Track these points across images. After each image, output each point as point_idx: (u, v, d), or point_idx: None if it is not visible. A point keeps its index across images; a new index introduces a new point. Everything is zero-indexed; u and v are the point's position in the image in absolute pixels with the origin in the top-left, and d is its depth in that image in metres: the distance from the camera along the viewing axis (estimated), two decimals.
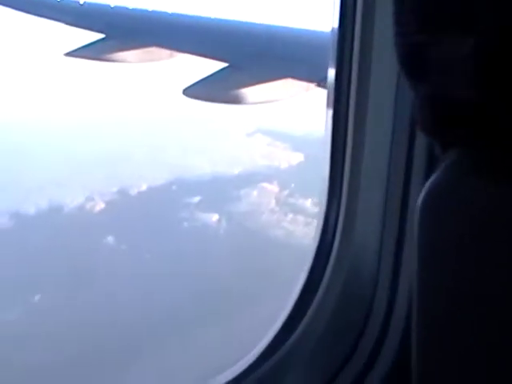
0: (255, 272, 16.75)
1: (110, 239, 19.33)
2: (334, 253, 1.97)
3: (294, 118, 31.50)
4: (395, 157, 1.75)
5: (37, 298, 16.32)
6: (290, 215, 21.41)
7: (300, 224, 20.79)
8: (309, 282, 2.05)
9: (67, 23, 9.22)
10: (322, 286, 1.96)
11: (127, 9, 9.30)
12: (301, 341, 1.91)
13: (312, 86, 6.17)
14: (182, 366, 12.24)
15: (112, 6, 9.39)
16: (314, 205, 21.85)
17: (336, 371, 1.81)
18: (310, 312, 1.95)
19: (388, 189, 1.79)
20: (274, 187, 23.78)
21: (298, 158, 27.53)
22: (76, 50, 8.34)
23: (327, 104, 1.99)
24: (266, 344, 2.01)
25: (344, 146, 2.00)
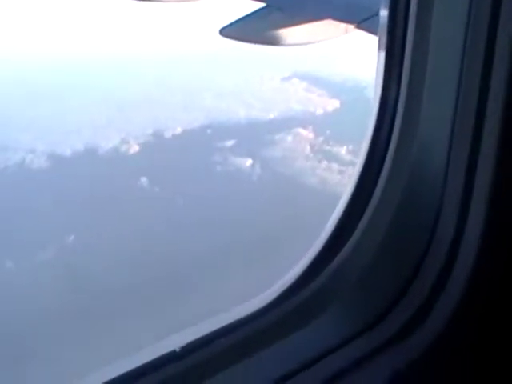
0: (288, 219, 16.76)
1: (144, 181, 19.50)
2: (391, 151, 1.67)
3: (331, 63, 31.01)
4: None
5: (71, 238, 16.64)
6: (325, 162, 21.22)
7: (334, 172, 20.62)
8: (359, 188, 1.77)
9: None
10: (376, 193, 1.68)
11: None
12: (349, 260, 1.69)
13: (351, 27, 6.01)
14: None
15: None
16: (348, 153, 21.63)
17: (393, 300, 1.58)
18: (360, 225, 1.69)
19: (462, 74, 1.44)
20: (308, 133, 23.53)
21: (334, 104, 27.14)
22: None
23: (379, 46, 1.81)
24: (307, 264, 1.78)
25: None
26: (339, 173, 20.46)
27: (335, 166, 20.91)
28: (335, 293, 1.67)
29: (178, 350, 1.52)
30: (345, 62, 31.65)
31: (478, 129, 1.37)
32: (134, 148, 22.21)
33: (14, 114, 24.02)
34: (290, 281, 1.78)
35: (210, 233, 16.45)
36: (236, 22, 6.45)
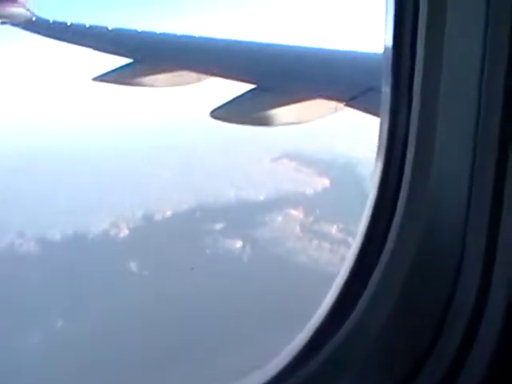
0: (279, 299, 16.59)
1: (133, 265, 19.36)
2: (400, 203, 1.50)
3: (320, 142, 31.48)
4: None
5: (59, 323, 16.37)
6: (315, 242, 21.19)
7: (325, 251, 20.56)
8: (364, 252, 1.65)
9: (96, 49, 9.30)
10: (384, 257, 1.53)
11: (154, 33, 9.36)
12: (359, 328, 1.53)
13: (341, 105, 6.08)
14: None
15: (139, 30, 9.46)
16: (339, 231, 21.64)
17: (411, 368, 1.42)
18: (368, 289, 1.55)
19: (479, 120, 1.30)
20: (299, 213, 23.60)
21: (323, 183, 27.38)
22: (104, 75, 8.39)
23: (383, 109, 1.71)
24: (311, 334, 1.63)
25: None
26: (330, 252, 20.41)
27: (326, 245, 20.87)
28: (345, 364, 1.52)
29: None
30: (335, 139, 32.24)
31: (499, 181, 1.25)
32: (124, 232, 22.18)
33: (5, 196, 24.12)
34: (294, 353, 1.63)
35: (201, 317, 16.23)
36: (226, 103, 6.54)
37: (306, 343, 1.63)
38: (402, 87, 1.49)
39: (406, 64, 1.44)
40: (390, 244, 1.52)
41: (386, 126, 1.58)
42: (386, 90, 1.57)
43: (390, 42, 1.50)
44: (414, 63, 1.40)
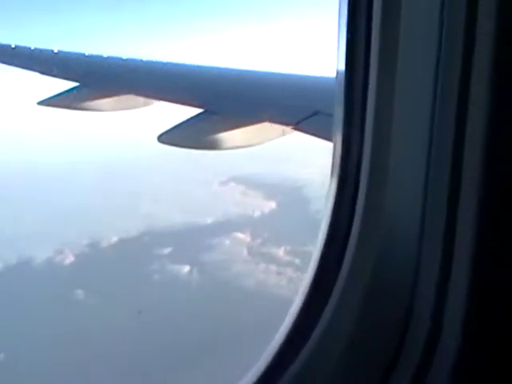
0: (227, 322, 16.59)
1: (80, 293, 19.06)
2: (351, 241, 1.48)
3: (267, 165, 31.72)
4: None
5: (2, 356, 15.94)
6: (263, 265, 21.29)
7: (272, 273, 20.66)
8: (316, 286, 1.58)
9: (41, 72, 9.17)
10: (337, 289, 1.50)
11: (101, 57, 9.31)
12: (318, 351, 1.49)
13: (288, 129, 6.18)
14: None
15: (86, 54, 9.40)
16: (286, 254, 21.80)
17: None
18: (320, 324, 1.51)
19: (433, 127, 1.32)
20: (246, 236, 23.69)
21: (270, 206, 27.59)
22: (49, 99, 8.30)
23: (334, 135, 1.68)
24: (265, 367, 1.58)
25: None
26: (277, 274, 20.52)
27: (273, 267, 20.98)
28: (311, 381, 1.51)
29: None
30: (282, 162, 32.54)
31: (454, 191, 1.27)
32: (70, 258, 21.82)
33: None
34: (260, 371, 1.59)
35: (147, 344, 16.07)
36: (174, 128, 6.56)
37: (270, 362, 1.59)
38: (355, 108, 1.49)
39: (359, 86, 1.45)
40: (347, 261, 1.49)
41: (339, 146, 1.57)
42: (339, 111, 1.55)
43: (342, 66, 1.50)
44: (367, 85, 1.41)
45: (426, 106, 1.31)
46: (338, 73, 1.58)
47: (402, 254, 1.42)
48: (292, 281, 19.75)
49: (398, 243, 1.43)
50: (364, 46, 1.41)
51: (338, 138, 1.59)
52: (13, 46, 9.56)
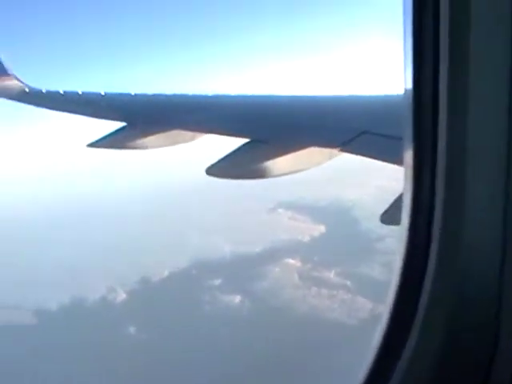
0: (282, 350, 16.40)
1: (132, 329, 19.19)
2: (430, 268, 1.42)
3: (315, 189, 31.59)
4: None
5: None
6: (314, 289, 21.05)
7: (324, 297, 20.39)
8: (396, 320, 1.56)
9: (90, 115, 9.43)
10: (417, 323, 1.44)
11: (146, 95, 9.51)
12: None
13: (335, 151, 6.12)
14: None
15: (131, 93, 9.59)
16: (337, 275, 21.52)
17: None
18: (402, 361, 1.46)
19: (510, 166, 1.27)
20: (296, 262, 23.51)
21: (320, 229, 27.36)
22: (98, 141, 8.49)
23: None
24: None
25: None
26: (329, 297, 20.25)
27: (325, 291, 20.71)
28: None
29: None
30: (329, 185, 32.38)
31: None
32: (121, 296, 22.06)
33: None
34: None
35: (202, 375, 16.00)
36: (221, 159, 6.56)
37: None
38: (425, 129, 1.39)
39: (428, 106, 1.36)
40: (421, 309, 1.45)
41: (410, 171, 1.47)
42: (408, 132, 1.45)
43: (409, 85, 1.41)
44: (438, 105, 1.32)
45: (501, 125, 1.26)
46: (405, 91, 1.48)
47: (482, 285, 1.36)
48: (344, 303, 19.46)
49: (477, 272, 1.37)
50: (432, 64, 1.34)
51: (409, 161, 1.48)
52: (61, 92, 9.84)
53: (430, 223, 1.40)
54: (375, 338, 1.61)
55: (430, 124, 1.35)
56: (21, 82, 10.03)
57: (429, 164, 1.38)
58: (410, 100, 1.40)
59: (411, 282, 1.48)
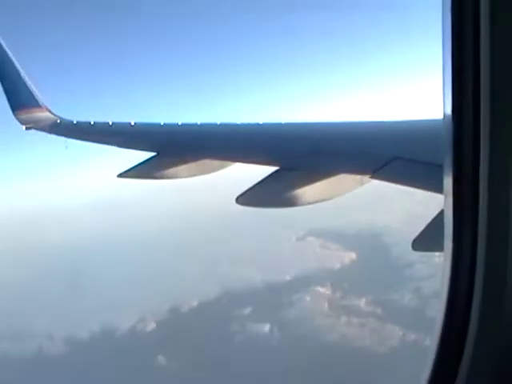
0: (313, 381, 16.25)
1: (161, 359, 19.22)
2: (470, 334, 1.37)
3: (345, 216, 31.43)
4: None
5: None
6: (344, 318, 20.84)
7: (354, 326, 20.17)
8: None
9: (120, 146, 9.53)
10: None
11: (176, 124, 9.62)
12: None
13: (366, 178, 6.10)
14: None
15: (161, 123, 9.72)
16: (367, 304, 21.28)
17: None
18: None
19: None
20: (326, 290, 23.34)
21: (350, 257, 27.15)
22: (128, 171, 8.58)
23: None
24: None
25: None
26: (359, 325, 20.02)
27: (355, 319, 20.49)
28: None
29: None
30: (359, 212, 32.17)
31: None
32: (151, 325, 22.14)
33: (29, 297, 24.45)
34: None
35: None
36: (251, 188, 6.60)
37: None
38: (466, 155, 1.35)
39: (470, 133, 1.33)
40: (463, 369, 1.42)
41: (450, 208, 1.42)
42: (448, 160, 1.41)
43: (448, 110, 1.38)
44: (479, 133, 1.28)
45: None
46: (445, 117, 1.43)
47: None
48: (375, 331, 19.21)
49: None
50: (472, 88, 1.30)
51: (448, 191, 1.43)
52: (91, 123, 10.01)
53: (471, 280, 1.36)
54: None
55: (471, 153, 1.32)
56: (52, 113, 10.23)
57: (470, 216, 1.35)
58: (450, 126, 1.37)
59: (453, 342, 1.44)
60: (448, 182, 1.41)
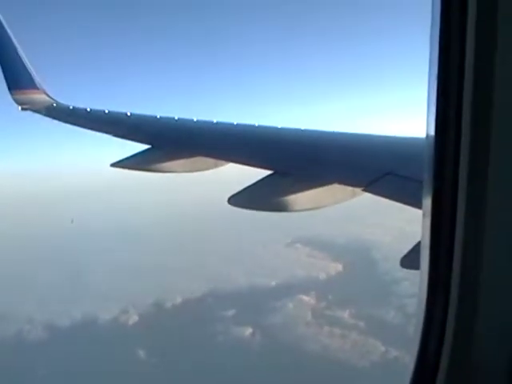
0: None
1: (142, 353, 19.13)
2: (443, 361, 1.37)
3: (335, 227, 31.44)
4: None
5: None
6: (326, 328, 20.82)
7: (336, 337, 20.15)
8: None
9: (115, 135, 9.53)
10: None
11: (172, 119, 9.62)
12: None
13: (359, 190, 6.10)
14: None
15: (157, 116, 9.72)
16: (351, 317, 21.27)
17: None
18: None
19: None
20: (310, 299, 23.32)
21: (337, 268, 27.18)
22: (122, 161, 8.57)
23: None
24: None
25: None
26: (341, 337, 19.99)
27: (337, 330, 20.46)
28: None
29: None
30: (349, 224, 32.18)
31: None
32: (134, 318, 22.05)
33: (15, 282, 24.35)
34: None
35: None
36: (244, 190, 6.60)
37: None
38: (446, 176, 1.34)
39: (450, 158, 1.31)
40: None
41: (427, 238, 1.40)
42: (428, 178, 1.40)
43: (431, 131, 1.35)
44: (459, 157, 1.28)
45: None
46: (427, 137, 1.42)
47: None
48: (356, 344, 19.21)
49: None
50: (455, 111, 1.29)
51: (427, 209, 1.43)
52: (88, 110, 9.99)
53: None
54: None
55: (451, 172, 1.30)
56: (49, 97, 10.23)
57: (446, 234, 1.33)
58: (432, 146, 1.36)
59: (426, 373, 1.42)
60: (427, 201, 1.41)
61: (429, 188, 1.39)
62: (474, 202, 1.26)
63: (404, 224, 27.28)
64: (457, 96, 1.27)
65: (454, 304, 1.31)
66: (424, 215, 1.41)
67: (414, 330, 1.46)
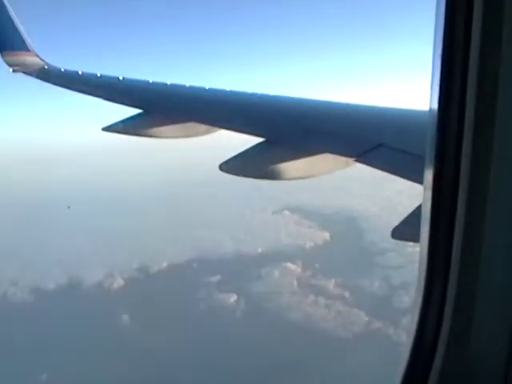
0: (269, 355, 16.32)
1: (125, 318, 19.17)
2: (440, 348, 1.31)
3: (323, 196, 31.43)
4: None
5: (44, 376, 16.07)
6: (311, 297, 20.88)
7: (320, 306, 20.23)
8: None
9: (106, 98, 9.42)
10: None
11: (164, 84, 9.50)
12: None
13: (351, 160, 6.05)
14: None
15: (150, 81, 9.59)
16: (336, 286, 21.34)
17: None
18: None
19: None
20: (296, 267, 23.35)
21: (324, 236, 27.20)
22: (113, 125, 8.47)
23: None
24: None
25: None
26: (325, 307, 20.06)
27: (322, 300, 20.53)
28: None
29: None
30: (338, 193, 32.17)
31: None
32: (119, 282, 22.05)
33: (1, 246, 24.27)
34: None
35: (189, 372, 15.92)
36: (235, 157, 6.52)
37: None
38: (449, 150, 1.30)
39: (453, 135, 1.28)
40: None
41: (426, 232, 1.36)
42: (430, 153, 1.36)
43: (434, 105, 1.31)
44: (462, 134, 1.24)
45: None
46: (430, 111, 1.36)
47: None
48: (340, 314, 19.30)
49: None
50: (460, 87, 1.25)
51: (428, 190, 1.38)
52: (79, 73, 9.85)
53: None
54: None
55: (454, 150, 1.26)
56: (41, 59, 10.06)
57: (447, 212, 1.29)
58: (435, 120, 1.32)
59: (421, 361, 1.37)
60: (428, 175, 1.36)
61: (430, 161, 1.34)
62: (476, 178, 1.23)
63: (393, 195, 27.35)
64: (461, 73, 1.23)
65: (455, 276, 1.28)
66: (425, 189, 1.37)
67: (413, 299, 1.39)
